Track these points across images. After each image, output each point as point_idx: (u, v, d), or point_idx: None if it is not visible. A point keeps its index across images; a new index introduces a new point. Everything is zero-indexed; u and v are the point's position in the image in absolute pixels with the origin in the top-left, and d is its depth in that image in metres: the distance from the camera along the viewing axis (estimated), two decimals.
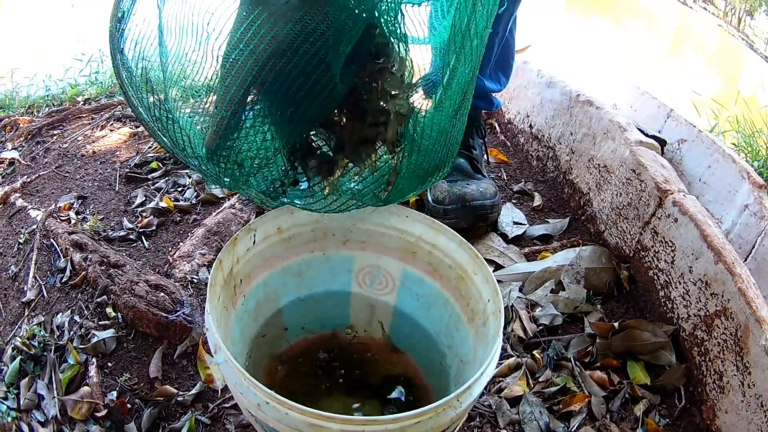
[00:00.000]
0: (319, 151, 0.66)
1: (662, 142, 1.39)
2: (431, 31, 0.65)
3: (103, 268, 1.06)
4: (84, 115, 1.66)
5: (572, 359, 0.97)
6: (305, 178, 0.68)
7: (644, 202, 1.08)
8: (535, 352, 0.98)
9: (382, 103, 0.61)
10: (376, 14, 0.57)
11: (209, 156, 0.59)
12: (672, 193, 1.04)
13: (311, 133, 0.66)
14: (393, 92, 0.61)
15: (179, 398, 0.87)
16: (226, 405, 0.87)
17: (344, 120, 0.63)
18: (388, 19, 0.56)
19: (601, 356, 0.98)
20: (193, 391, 0.88)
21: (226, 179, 0.63)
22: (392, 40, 0.59)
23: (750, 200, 1.17)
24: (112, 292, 1.00)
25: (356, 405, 0.78)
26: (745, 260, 1.14)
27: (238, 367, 0.53)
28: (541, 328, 1.02)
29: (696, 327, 0.95)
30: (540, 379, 0.94)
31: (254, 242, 0.69)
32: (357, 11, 0.55)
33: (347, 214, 0.68)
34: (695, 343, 0.95)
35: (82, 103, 1.81)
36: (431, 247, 0.73)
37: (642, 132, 1.30)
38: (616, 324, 1.00)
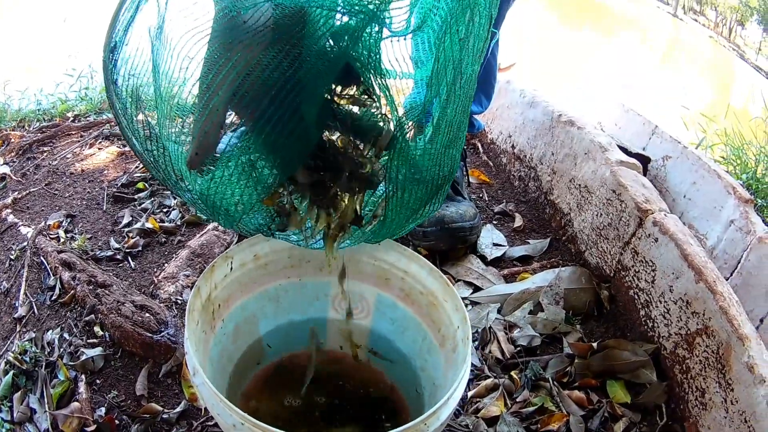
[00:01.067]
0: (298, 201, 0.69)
1: (646, 160, 1.44)
2: (417, 65, 0.68)
3: (91, 287, 1.10)
4: (74, 132, 1.71)
5: (550, 379, 1.00)
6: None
7: (624, 222, 1.12)
8: (512, 372, 1.01)
9: (356, 158, 0.65)
10: (354, 54, 0.60)
11: (197, 196, 0.63)
12: (652, 213, 1.08)
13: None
14: (365, 153, 0.65)
15: (164, 416, 0.91)
16: (210, 423, 0.90)
17: (320, 171, 0.66)
18: (367, 58, 0.60)
19: (580, 376, 1.01)
20: (178, 409, 0.91)
21: (219, 220, 0.67)
22: (371, 79, 0.62)
23: (735, 215, 1.21)
24: (100, 312, 1.04)
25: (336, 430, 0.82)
26: (731, 275, 1.18)
27: (214, 390, 0.58)
28: (519, 349, 1.05)
29: (677, 345, 0.98)
30: (517, 400, 0.97)
31: (231, 269, 0.74)
32: (332, 54, 0.59)
33: (323, 243, 0.73)
34: (677, 361, 0.98)
35: (71, 119, 1.85)
36: (404, 273, 0.78)
37: (625, 150, 1.35)
38: (594, 344, 1.03)
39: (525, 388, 0.99)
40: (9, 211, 1.43)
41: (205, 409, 0.93)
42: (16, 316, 1.12)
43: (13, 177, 1.60)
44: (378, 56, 0.60)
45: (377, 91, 0.63)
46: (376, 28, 0.57)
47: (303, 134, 0.60)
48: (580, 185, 1.26)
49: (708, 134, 1.97)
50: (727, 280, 1.17)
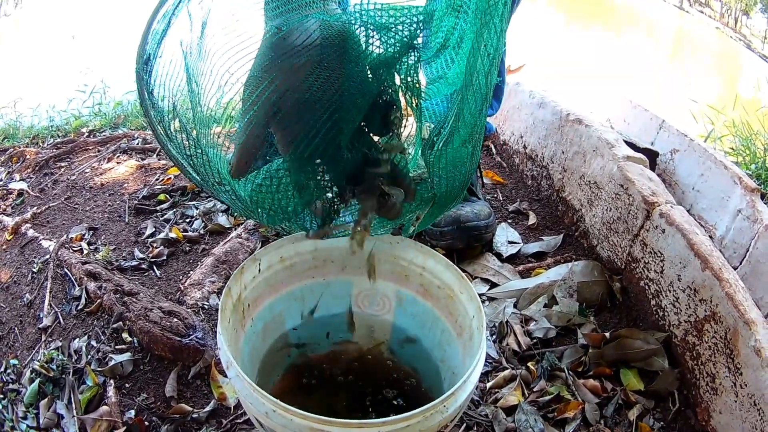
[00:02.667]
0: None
1: (654, 154, 1.49)
2: (442, 81, 0.73)
3: (117, 296, 1.17)
4: (90, 147, 1.79)
5: (566, 369, 1.04)
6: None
7: (633, 215, 1.17)
8: (529, 364, 1.06)
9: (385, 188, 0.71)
10: (390, 82, 0.65)
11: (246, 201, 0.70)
12: (659, 205, 1.12)
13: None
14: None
15: (194, 415, 0.96)
16: (239, 421, 0.96)
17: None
18: (405, 84, 0.65)
19: (594, 365, 1.05)
20: (207, 409, 0.97)
21: (262, 219, 0.74)
22: (411, 101, 0.67)
23: (743, 205, 1.25)
24: (128, 319, 1.10)
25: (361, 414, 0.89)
26: (740, 264, 1.22)
27: (248, 380, 0.64)
28: (535, 341, 1.10)
29: (687, 332, 1.02)
30: (534, 389, 1.02)
31: (259, 270, 0.81)
32: (370, 82, 0.64)
33: (344, 244, 0.81)
34: (687, 348, 1.02)
35: (87, 134, 1.94)
36: (421, 270, 0.84)
37: (633, 145, 1.40)
38: (607, 334, 1.08)
39: (541, 378, 1.04)
40: (28, 225, 1.50)
41: (234, 407, 0.99)
42: (40, 326, 1.18)
43: (31, 192, 1.67)
44: (416, 80, 0.66)
45: (411, 111, 0.70)
46: (413, 57, 0.63)
47: (339, 155, 0.67)
48: (589, 182, 1.32)
49: (716, 126, 2.02)
50: (736, 269, 1.21)
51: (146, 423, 0.96)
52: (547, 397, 1.01)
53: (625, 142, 1.38)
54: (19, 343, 1.18)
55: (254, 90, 0.62)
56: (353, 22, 0.61)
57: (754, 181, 1.55)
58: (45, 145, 1.91)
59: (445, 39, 0.66)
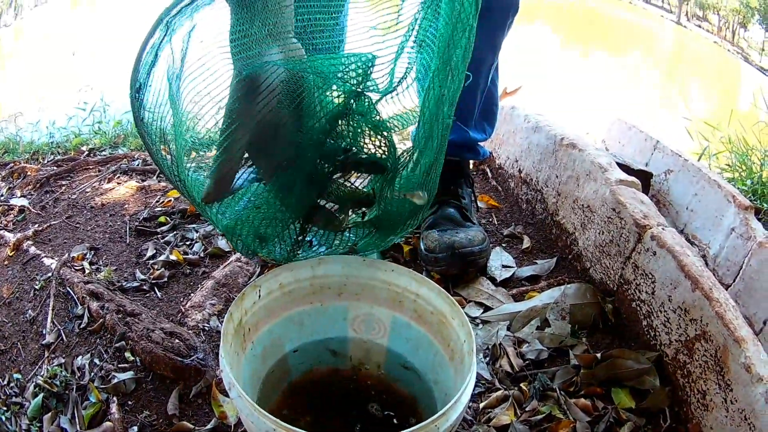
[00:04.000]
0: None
1: (649, 175, 1.54)
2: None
3: (120, 316, 1.22)
4: (91, 167, 1.85)
5: (557, 389, 1.07)
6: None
7: (624, 238, 1.20)
8: (522, 384, 1.09)
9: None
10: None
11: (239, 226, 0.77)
12: (650, 228, 1.15)
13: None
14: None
15: None
16: None
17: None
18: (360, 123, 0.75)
19: (585, 385, 1.08)
20: (208, 427, 1.00)
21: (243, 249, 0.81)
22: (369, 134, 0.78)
23: (736, 223, 1.28)
24: (130, 339, 1.14)
25: None
26: (734, 281, 1.25)
27: (249, 401, 0.69)
28: (527, 362, 1.13)
29: (678, 351, 1.05)
30: (527, 409, 1.05)
31: (259, 296, 0.87)
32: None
33: (341, 271, 0.87)
34: (678, 366, 1.05)
35: (87, 153, 1.99)
36: (415, 296, 0.90)
37: (627, 167, 1.45)
38: (599, 354, 1.11)
39: (534, 398, 1.07)
40: (30, 242, 1.55)
41: (234, 425, 1.04)
42: (43, 342, 1.22)
43: (33, 210, 1.72)
44: (375, 118, 0.75)
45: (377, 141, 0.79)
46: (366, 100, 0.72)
47: (307, 182, 0.75)
48: (583, 205, 1.36)
49: (712, 143, 2.06)
50: (729, 286, 1.25)
51: None
52: (539, 416, 1.04)
53: (619, 164, 1.42)
54: (21, 358, 1.22)
55: (227, 123, 0.71)
56: (307, 70, 0.69)
57: (750, 197, 1.61)
58: (45, 162, 1.96)
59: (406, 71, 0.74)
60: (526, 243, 1.46)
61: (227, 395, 1.06)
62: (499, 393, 1.08)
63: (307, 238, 0.91)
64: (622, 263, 1.22)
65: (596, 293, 1.25)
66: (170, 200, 1.70)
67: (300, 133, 0.71)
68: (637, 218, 1.19)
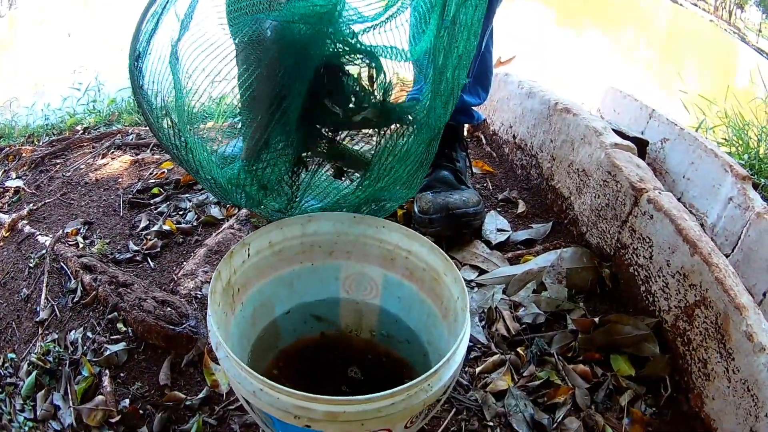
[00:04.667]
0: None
1: (644, 143, 1.50)
2: (411, 45, 0.76)
3: (112, 287, 1.19)
4: (85, 144, 1.82)
5: (555, 354, 1.05)
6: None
7: (621, 201, 1.18)
8: (519, 349, 1.07)
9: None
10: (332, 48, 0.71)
11: (243, 177, 0.74)
12: (647, 191, 1.13)
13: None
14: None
15: (187, 402, 0.98)
16: (231, 407, 0.98)
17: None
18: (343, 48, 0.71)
19: (584, 350, 1.06)
20: (200, 396, 0.99)
21: (244, 199, 0.77)
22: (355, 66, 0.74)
23: (734, 192, 1.26)
24: (122, 309, 1.12)
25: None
26: (732, 251, 1.22)
27: (236, 359, 0.66)
28: (524, 326, 1.11)
29: (677, 318, 1.02)
30: (524, 374, 1.03)
31: (248, 255, 0.83)
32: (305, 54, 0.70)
33: (331, 228, 0.83)
34: (678, 333, 1.02)
35: (81, 131, 1.96)
36: (407, 253, 0.86)
37: (623, 134, 1.41)
38: (597, 319, 1.08)
39: (531, 363, 1.05)
40: (25, 222, 1.52)
41: (227, 394, 1.01)
42: (37, 320, 1.19)
43: (27, 189, 1.69)
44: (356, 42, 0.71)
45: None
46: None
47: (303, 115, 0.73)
48: (578, 169, 1.33)
49: (709, 116, 2.03)
50: (728, 256, 1.22)
51: (140, 411, 0.98)
52: (537, 382, 1.02)
53: (614, 130, 1.39)
54: (16, 337, 1.20)
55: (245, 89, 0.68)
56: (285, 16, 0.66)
57: (747, 171, 1.57)
58: (40, 143, 1.93)
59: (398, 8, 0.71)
60: (521, 207, 1.43)
61: (218, 361, 1.03)
62: (495, 357, 1.06)
63: (306, 199, 0.87)
64: (618, 227, 1.19)
65: (593, 257, 1.23)
66: (164, 171, 1.67)
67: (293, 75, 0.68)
68: (633, 181, 1.16)
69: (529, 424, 0.97)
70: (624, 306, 1.16)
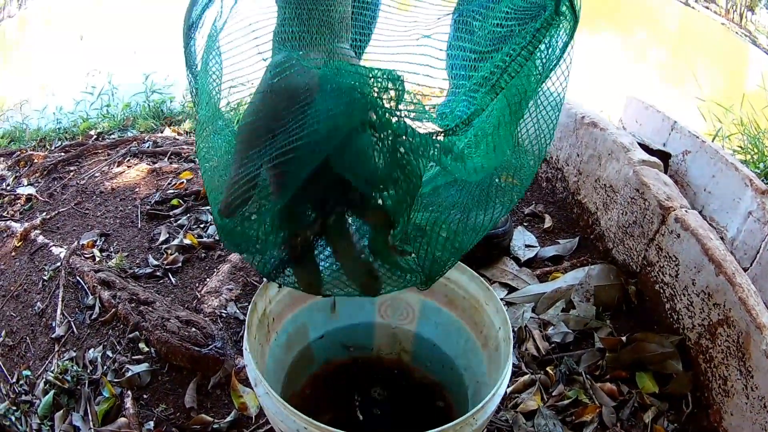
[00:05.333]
0: None
1: (667, 156, 1.48)
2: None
3: (133, 305, 1.15)
4: (100, 151, 1.77)
5: (583, 373, 1.05)
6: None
7: (648, 219, 1.16)
8: (548, 368, 1.06)
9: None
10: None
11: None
12: (674, 210, 1.12)
13: None
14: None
15: (215, 426, 0.95)
16: (261, 431, 0.95)
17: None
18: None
19: (611, 369, 1.06)
20: (228, 419, 0.96)
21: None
22: None
23: (753, 206, 1.25)
24: (144, 329, 1.09)
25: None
26: (751, 265, 1.22)
27: (278, 398, 0.63)
28: (553, 345, 1.10)
29: (701, 336, 1.03)
30: (553, 394, 1.02)
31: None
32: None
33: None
34: (700, 351, 1.03)
35: (95, 137, 1.91)
36: (446, 280, 0.83)
37: (647, 148, 1.39)
38: (624, 338, 1.08)
39: (560, 382, 1.04)
40: (38, 232, 1.48)
41: (256, 417, 0.98)
42: (53, 336, 1.16)
43: (40, 198, 1.65)
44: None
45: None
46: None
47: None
48: (605, 185, 1.31)
49: (725, 124, 2.01)
50: (747, 270, 1.22)
51: None
52: (566, 401, 1.01)
53: (639, 144, 1.37)
54: (31, 353, 1.17)
55: (251, 132, 0.57)
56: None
57: (763, 180, 1.55)
58: (53, 148, 1.88)
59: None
60: (548, 222, 1.40)
61: (247, 385, 1.01)
62: (525, 377, 1.05)
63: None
64: (645, 245, 1.18)
65: (619, 274, 1.21)
66: (182, 182, 1.62)
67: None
68: (661, 200, 1.14)
69: None
70: (649, 323, 1.15)
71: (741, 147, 1.90)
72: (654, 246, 1.15)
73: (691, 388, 1.02)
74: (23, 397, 1.06)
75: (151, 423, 0.96)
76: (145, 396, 1.01)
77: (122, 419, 0.96)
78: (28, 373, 1.10)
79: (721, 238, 1.30)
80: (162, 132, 1.97)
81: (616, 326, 1.14)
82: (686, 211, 1.11)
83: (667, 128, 1.55)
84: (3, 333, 1.22)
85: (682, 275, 1.08)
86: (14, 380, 1.10)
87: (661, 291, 1.13)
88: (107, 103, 2.14)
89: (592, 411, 0.99)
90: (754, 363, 0.90)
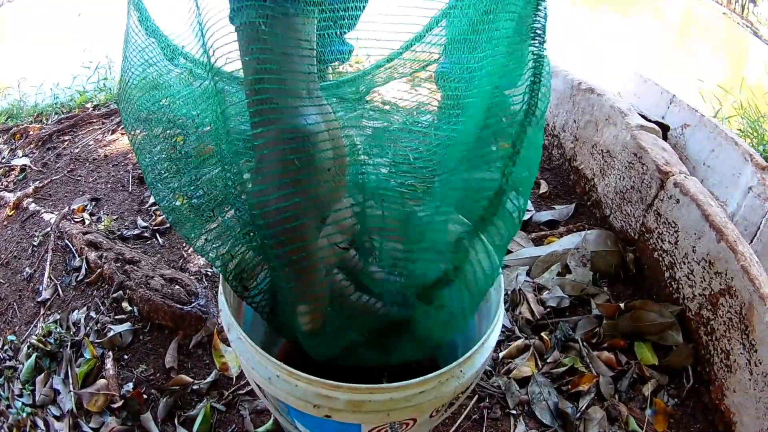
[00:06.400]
0: None
1: (665, 128, 1.43)
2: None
3: (118, 264, 1.10)
4: (94, 120, 1.73)
5: (579, 340, 1.01)
6: None
7: (646, 184, 1.12)
8: (542, 333, 1.02)
9: None
10: None
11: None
12: (673, 175, 1.07)
13: None
14: None
15: (195, 387, 0.92)
16: (241, 392, 0.92)
17: None
18: None
19: (608, 337, 1.02)
20: (209, 380, 0.92)
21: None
22: None
23: (754, 182, 1.20)
24: (128, 287, 1.04)
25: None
26: (751, 242, 1.18)
27: (250, 342, 0.57)
28: (548, 310, 1.06)
29: (701, 306, 0.98)
30: (548, 360, 0.98)
31: None
32: None
33: None
34: (701, 322, 0.98)
35: (91, 109, 1.86)
36: None
37: (645, 118, 1.33)
38: (621, 305, 1.04)
39: (555, 348, 1.00)
40: (30, 200, 1.44)
41: (237, 377, 0.93)
42: (39, 299, 1.13)
43: (34, 167, 1.61)
44: None
45: None
46: None
47: None
48: (602, 150, 1.26)
49: (724, 106, 1.96)
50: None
51: (144, 396, 0.92)
52: (561, 369, 0.97)
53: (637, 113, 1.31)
54: (17, 318, 1.13)
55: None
56: None
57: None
58: (48, 122, 1.83)
59: None
60: (544, 188, 1.35)
61: (229, 345, 0.96)
62: (519, 342, 1.00)
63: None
64: (643, 211, 1.13)
65: (617, 241, 1.17)
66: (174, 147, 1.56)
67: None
68: (659, 164, 1.10)
69: (553, 413, 0.92)
70: (647, 292, 1.11)
71: (741, 130, 1.86)
72: (653, 212, 1.10)
73: (691, 361, 0.98)
74: (7, 363, 1.02)
75: (130, 384, 0.93)
76: (125, 356, 0.97)
77: (102, 381, 0.93)
78: (13, 338, 1.07)
79: None
80: None
81: (614, 294, 1.10)
82: (685, 176, 1.07)
83: (666, 102, 1.50)
84: None
85: (681, 242, 1.03)
86: None
87: (660, 259, 1.08)
88: (104, 77, 2.08)
89: (588, 380, 0.95)
90: (758, 336, 0.86)
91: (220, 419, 0.90)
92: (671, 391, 0.96)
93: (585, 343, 1.00)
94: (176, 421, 0.88)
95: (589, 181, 1.30)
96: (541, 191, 1.34)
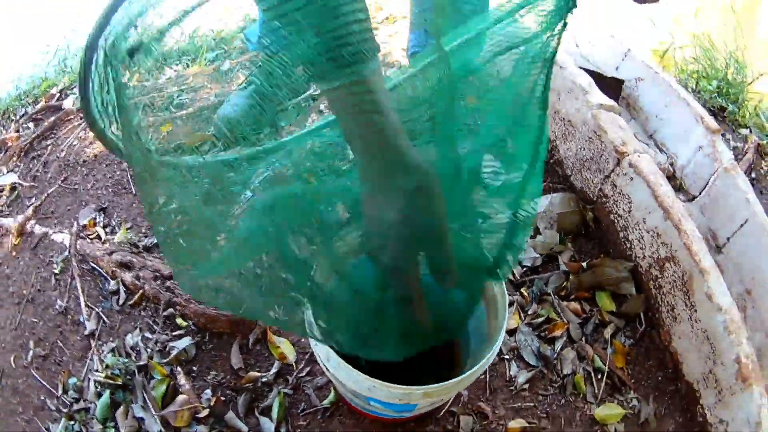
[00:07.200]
0: None
1: (620, 82, 1.54)
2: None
3: (158, 282, 1.16)
4: (72, 117, 1.66)
5: (551, 293, 1.19)
6: None
7: (605, 159, 1.24)
8: (522, 290, 1.20)
9: None
10: None
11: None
12: (628, 155, 1.18)
13: None
14: None
15: (263, 379, 1.02)
16: (302, 374, 1.05)
17: None
18: None
19: (575, 290, 1.20)
20: (273, 371, 1.03)
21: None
22: None
23: (704, 143, 1.33)
24: (177, 304, 1.12)
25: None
26: (700, 194, 1.31)
27: (349, 367, 0.70)
28: (525, 269, 1.23)
29: (651, 266, 1.12)
30: (529, 312, 1.17)
31: None
32: None
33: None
34: (651, 278, 1.13)
35: (58, 95, 1.76)
36: None
37: (600, 75, 1.45)
38: (584, 264, 1.21)
39: (533, 302, 1.18)
40: (33, 222, 1.36)
41: (295, 363, 1.06)
42: (85, 333, 1.11)
43: (24, 183, 1.51)
44: None
45: None
46: None
47: None
48: (564, 118, 1.38)
49: (677, 37, 1.99)
50: (696, 197, 1.31)
51: (223, 399, 1.01)
52: (540, 319, 1.16)
53: (593, 72, 1.44)
54: (67, 356, 1.11)
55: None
56: None
57: (714, 96, 1.65)
58: (17, 118, 1.77)
59: None
60: None
61: (281, 336, 1.09)
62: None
63: None
64: (601, 180, 1.27)
65: (578, 201, 1.33)
66: (163, 135, 1.47)
67: None
68: (616, 144, 1.21)
69: (537, 355, 1.12)
70: (605, 247, 1.28)
71: (695, 58, 1.91)
72: (609, 183, 1.24)
73: (643, 308, 1.15)
74: (74, 407, 1.02)
75: (208, 391, 1.01)
76: (194, 368, 1.05)
77: (181, 396, 0.99)
78: (74, 380, 1.06)
79: (672, 164, 1.39)
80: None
81: (577, 249, 1.27)
82: (639, 155, 1.18)
83: (620, 54, 1.60)
84: (31, 343, 1.13)
85: (634, 212, 1.16)
86: (60, 392, 1.05)
87: (615, 221, 1.23)
88: (64, 57, 1.99)
89: (561, 327, 1.14)
90: (697, 301, 0.99)
91: (291, 401, 1.01)
92: (627, 333, 1.14)
93: (556, 296, 1.19)
94: (256, 413, 0.99)
95: (552, 142, 1.43)
96: None
